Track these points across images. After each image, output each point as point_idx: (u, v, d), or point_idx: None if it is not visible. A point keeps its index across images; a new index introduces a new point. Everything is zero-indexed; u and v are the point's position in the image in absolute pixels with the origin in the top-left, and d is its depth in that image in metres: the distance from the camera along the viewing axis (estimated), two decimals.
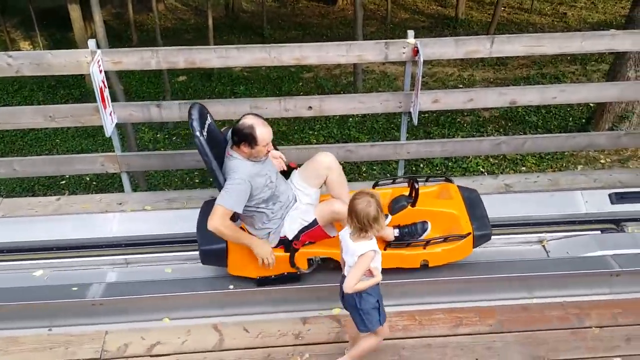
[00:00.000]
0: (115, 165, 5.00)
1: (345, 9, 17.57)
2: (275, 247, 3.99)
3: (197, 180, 9.36)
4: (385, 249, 3.96)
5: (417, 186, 4.05)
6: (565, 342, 3.89)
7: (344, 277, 3.34)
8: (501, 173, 8.52)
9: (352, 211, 3.13)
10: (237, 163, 3.74)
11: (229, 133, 3.86)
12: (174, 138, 10.99)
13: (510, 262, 4.22)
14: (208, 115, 3.90)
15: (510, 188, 5.00)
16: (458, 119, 10.54)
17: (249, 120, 3.71)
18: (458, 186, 4.36)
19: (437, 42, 4.61)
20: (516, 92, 4.94)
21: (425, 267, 4.05)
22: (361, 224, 3.11)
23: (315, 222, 3.92)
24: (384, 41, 4.57)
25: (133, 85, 13.16)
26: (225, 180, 3.74)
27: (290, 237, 3.97)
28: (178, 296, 4.04)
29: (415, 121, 4.76)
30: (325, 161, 3.99)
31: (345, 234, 3.28)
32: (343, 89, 12.25)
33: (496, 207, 4.51)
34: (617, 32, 4.75)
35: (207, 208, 4.21)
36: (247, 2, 18.82)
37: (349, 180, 4.34)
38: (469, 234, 4.02)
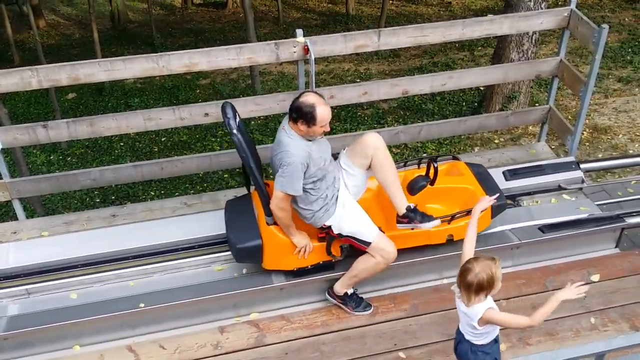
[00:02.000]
0: (5, 193, 4.72)
1: (236, 12, 17.46)
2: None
3: (97, 200, 9.00)
4: (412, 229, 4.03)
5: (436, 165, 4.19)
6: None
7: (459, 333, 3.25)
8: None
9: (461, 280, 3.01)
10: (291, 142, 3.68)
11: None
12: (69, 158, 10.52)
13: (419, 247, 4.32)
14: (237, 114, 3.94)
15: None
16: (358, 113, 10.72)
17: (310, 99, 3.67)
18: (465, 163, 4.56)
19: (327, 38, 4.65)
20: (407, 83, 5.06)
21: (450, 241, 4.20)
22: (467, 291, 2.99)
23: (368, 244, 3.86)
24: (274, 42, 4.56)
25: (20, 107, 12.49)
26: (273, 160, 3.77)
27: (334, 232, 3.91)
28: (87, 321, 3.88)
29: None
30: (372, 141, 3.93)
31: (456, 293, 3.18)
32: (242, 93, 12.17)
33: None
34: (495, 17, 4.97)
35: (230, 207, 4.29)
36: (133, 12, 18.31)
37: None
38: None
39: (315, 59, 4.52)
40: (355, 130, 9.82)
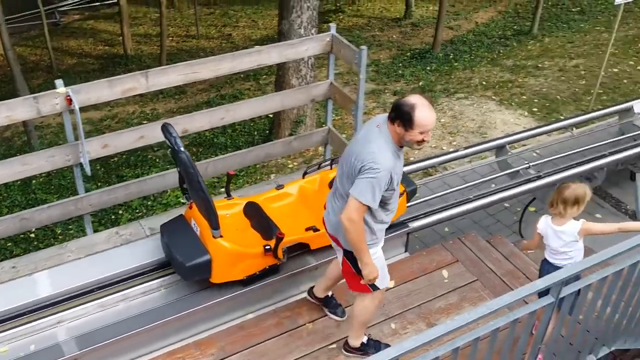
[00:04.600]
0: None
1: (3, 65, 16.06)
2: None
3: None
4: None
5: None
6: (285, 346, 4.05)
7: (546, 262, 3.82)
8: None
9: (559, 195, 3.60)
10: (380, 148, 3.24)
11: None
12: None
13: (217, 285, 4.20)
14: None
15: None
16: (149, 156, 10.37)
17: (412, 99, 3.22)
18: None
19: (91, 86, 4.40)
20: (185, 121, 4.94)
21: None
22: (564, 204, 3.58)
23: (376, 289, 3.72)
24: (32, 96, 4.21)
25: None
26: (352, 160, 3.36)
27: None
28: None
29: (88, 171, 4.49)
30: None
31: (545, 224, 3.73)
32: (19, 151, 11.13)
33: None
34: (263, 47, 5.07)
35: (167, 230, 4.21)
36: None
37: (44, 247, 3.77)
38: (405, 191, 4.55)
39: (91, 105, 4.25)
40: (148, 174, 9.43)
